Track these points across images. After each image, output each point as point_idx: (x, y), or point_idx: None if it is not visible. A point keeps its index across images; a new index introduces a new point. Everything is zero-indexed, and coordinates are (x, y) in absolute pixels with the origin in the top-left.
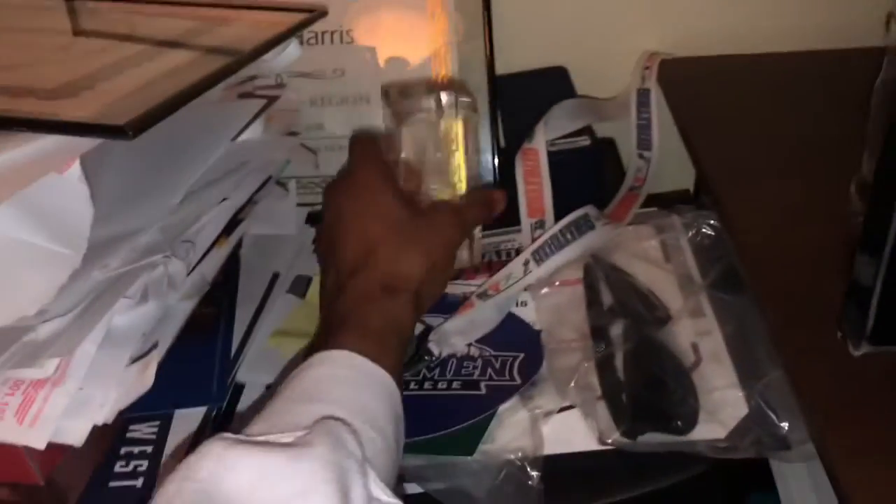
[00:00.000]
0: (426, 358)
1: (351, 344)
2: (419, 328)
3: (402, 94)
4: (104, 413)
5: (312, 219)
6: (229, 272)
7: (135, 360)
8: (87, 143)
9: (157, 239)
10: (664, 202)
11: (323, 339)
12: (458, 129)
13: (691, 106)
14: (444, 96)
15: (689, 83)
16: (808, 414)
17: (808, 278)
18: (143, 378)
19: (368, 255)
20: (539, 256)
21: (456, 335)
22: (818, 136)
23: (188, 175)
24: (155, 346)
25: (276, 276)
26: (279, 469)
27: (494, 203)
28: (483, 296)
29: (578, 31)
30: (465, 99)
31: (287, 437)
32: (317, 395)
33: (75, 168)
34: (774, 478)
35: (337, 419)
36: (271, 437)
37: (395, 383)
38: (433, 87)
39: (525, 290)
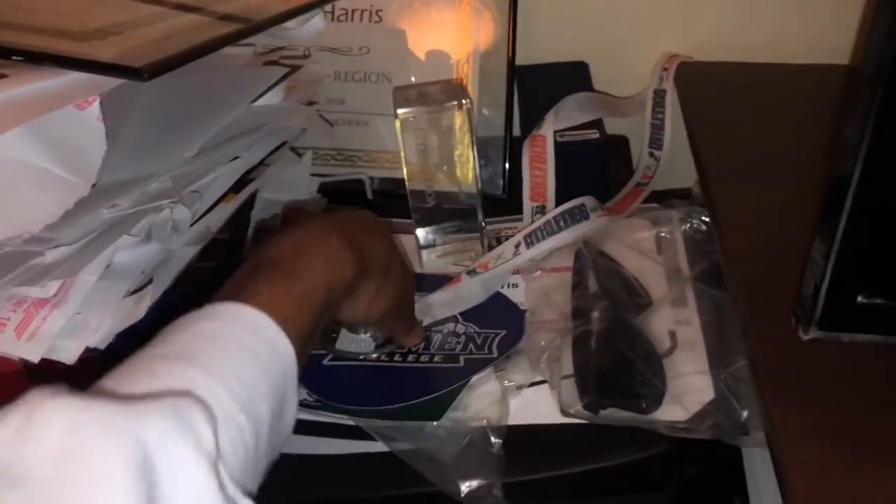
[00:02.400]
0: None
1: (263, 299)
2: None
3: (411, 96)
4: (97, 337)
5: (324, 189)
6: (237, 230)
7: (131, 293)
8: (107, 82)
9: (166, 186)
10: (665, 198)
11: (230, 287)
12: (462, 123)
13: (701, 107)
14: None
15: (703, 86)
16: (761, 396)
17: (782, 275)
18: (136, 309)
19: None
20: (530, 240)
21: (440, 307)
22: (818, 145)
23: (204, 131)
24: (150, 281)
25: None
26: (88, 444)
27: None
28: (472, 272)
29: (602, 28)
30: (465, 100)
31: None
32: (190, 355)
33: (95, 107)
34: (748, 486)
35: (198, 397)
36: (104, 393)
37: (297, 359)
38: (438, 89)
39: (517, 272)
